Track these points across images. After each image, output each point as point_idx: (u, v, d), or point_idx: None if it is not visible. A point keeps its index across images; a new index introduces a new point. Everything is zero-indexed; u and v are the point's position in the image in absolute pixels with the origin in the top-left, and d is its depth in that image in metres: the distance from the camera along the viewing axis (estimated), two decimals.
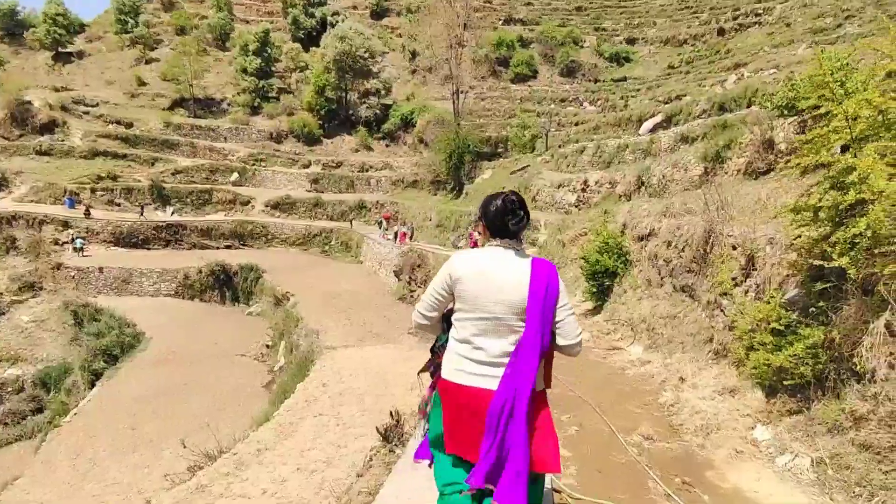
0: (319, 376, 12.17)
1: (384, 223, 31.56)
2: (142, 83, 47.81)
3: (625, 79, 49.79)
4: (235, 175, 39.60)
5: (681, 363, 6.40)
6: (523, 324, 2.19)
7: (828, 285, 4.48)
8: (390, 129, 46.53)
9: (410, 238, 28.06)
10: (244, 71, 47.45)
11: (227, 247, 33.61)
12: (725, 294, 6.20)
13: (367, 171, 43.10)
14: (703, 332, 6.49)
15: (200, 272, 28.80)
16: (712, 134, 13.37)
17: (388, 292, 24.07)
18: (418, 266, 23.36)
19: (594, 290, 10.07)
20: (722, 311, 6.26)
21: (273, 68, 50.03)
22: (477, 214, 2.82)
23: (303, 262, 31.80)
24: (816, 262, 4.46)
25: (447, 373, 2.31)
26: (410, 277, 23.56)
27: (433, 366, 2.59)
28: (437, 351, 2.56)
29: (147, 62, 51.59)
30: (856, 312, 4.15)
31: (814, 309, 4.62)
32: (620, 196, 15.61)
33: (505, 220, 2.27)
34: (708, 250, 6.82)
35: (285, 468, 8.91)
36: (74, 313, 25.12)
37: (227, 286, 29.29)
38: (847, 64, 7.05)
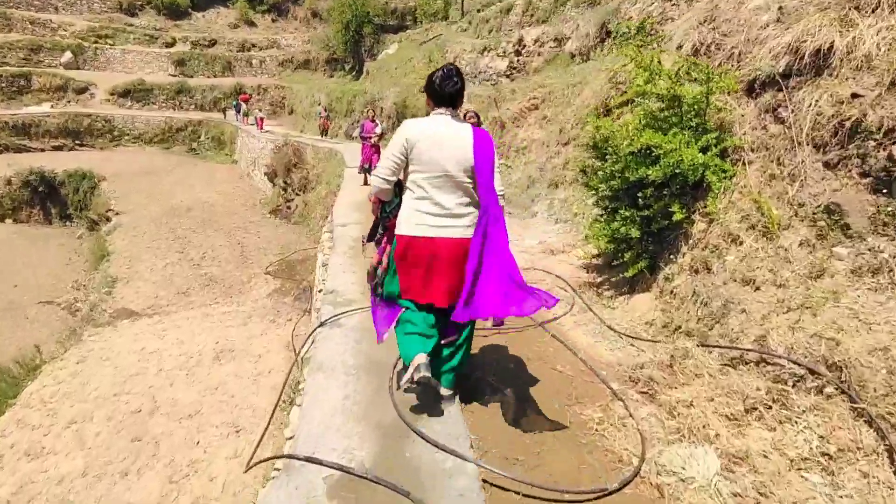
0: (16, 419, 5.74)
1: (242, 106, 25.54)
2: None
3: None
4: (68, 55, 30.25)
5: None
6: (469, 179, 2.51)
7: None
8: None
9: (325, 132, 21.54)
10: None
11: (57, 148, 25.86)
12: None
13: (248, 49, 34.72)
14: None
15: (9, 183, 21.49)
16: None
17: (258, 203, 18.42)
18: (294, 166, 17.66)
19: (631, 229, 4.04)
20: None
21: None
22: (422, 88, 2.96)
23: (163, 164, 24.79)
24: None
25: (408, 229, 2.54)
26: (286, 182, 17.90)
27: (383, 230, 2.83)
28: (388, 216, 2.76)
29: None
30: None
31: None
32: (573, 56, 10.78)
33: (443, 85, 2.54)
34: None
35: None
36: None
37: (52, 200, 22.27)
38: None
